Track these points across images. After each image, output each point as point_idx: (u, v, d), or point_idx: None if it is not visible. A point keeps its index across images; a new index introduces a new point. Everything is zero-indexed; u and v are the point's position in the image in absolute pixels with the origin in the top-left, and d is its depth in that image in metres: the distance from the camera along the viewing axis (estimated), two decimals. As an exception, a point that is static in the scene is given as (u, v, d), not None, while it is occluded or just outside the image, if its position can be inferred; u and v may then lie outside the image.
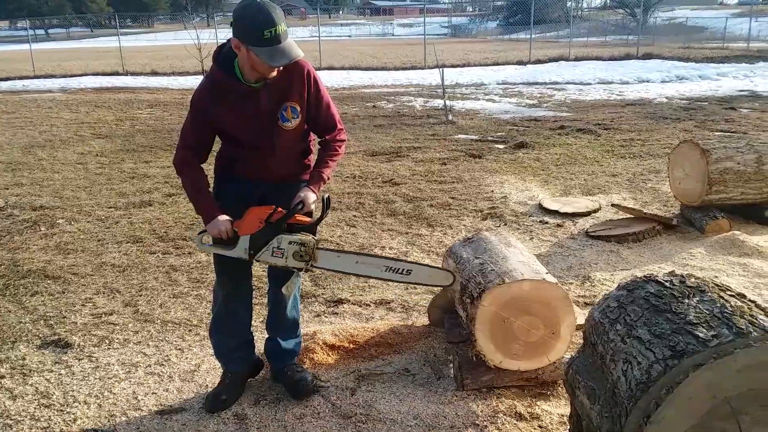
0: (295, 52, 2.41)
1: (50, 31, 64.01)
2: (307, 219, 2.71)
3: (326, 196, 2.69)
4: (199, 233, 2.70)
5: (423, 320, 3.68)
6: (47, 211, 5.95)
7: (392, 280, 2.86)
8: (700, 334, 1.71)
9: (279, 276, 2.91)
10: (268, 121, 2.60)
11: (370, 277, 2.88)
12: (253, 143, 2.63)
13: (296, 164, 2.79)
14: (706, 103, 12.53)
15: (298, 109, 2.63)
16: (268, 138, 2.62)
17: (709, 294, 1.91)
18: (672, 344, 1.73)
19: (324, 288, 4.19)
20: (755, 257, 4.50)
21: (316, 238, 2.68)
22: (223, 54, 2.57)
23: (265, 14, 2.33)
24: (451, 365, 3.15)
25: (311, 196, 2.66)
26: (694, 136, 8.37)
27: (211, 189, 2.71)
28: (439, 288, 3.30)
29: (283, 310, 2.95)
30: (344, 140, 2.82)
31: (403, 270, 2.76)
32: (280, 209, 2.59)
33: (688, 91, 14.67)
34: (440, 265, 3.41)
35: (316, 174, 2.71)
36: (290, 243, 2.61)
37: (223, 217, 2.60)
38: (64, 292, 4.17)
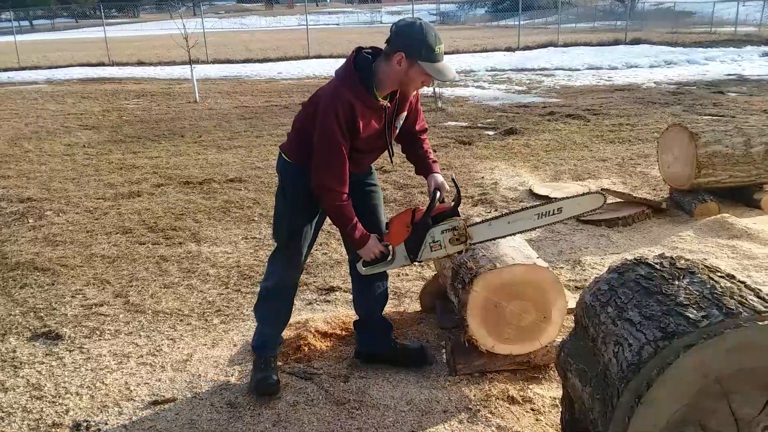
0: (453, 71, 2.56)
1: (35, 22, 63.19)
2: (447, 205, 2.75)
3: (452, 175, 2.77)
4: (358, 261, 2.76)
5: (415, 306, 3.69)
6: (35, 203, 5.90)
7: (547, 224, 2.86)
8: (691, 315, 1.72)
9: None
10: (389, 131, 2.72)
11: (527, 231, 2.88)
12: (370, 150, 2.75)
13: None
14: (694, 88, 12.58)
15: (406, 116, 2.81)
16: (386, 144, 2.75)
17: (699, 275, 1.92)
18: (662, 325, 1.74)
19: (315, 276, 4.19)
20: (744, 239, 4.54)
21: (462, 217, 2.70)
22: (362, 70, 2.62)
23: (434, 32, 2.48)
24: (444, 350, 3.16)
25: (441, 179, 2.80)
26: (683, 120, 8.38)
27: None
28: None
29: (370, 285, 3.01)
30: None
31: (553, 211, 2.76)
32: (418, 208, 2.67)
33: (676, 75, 14.71)
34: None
35: (432, 161, 2.87)
36: (443, 232, 2.65)
37: (372, 239, 2.69)
38: (53, 284, 4.14)
